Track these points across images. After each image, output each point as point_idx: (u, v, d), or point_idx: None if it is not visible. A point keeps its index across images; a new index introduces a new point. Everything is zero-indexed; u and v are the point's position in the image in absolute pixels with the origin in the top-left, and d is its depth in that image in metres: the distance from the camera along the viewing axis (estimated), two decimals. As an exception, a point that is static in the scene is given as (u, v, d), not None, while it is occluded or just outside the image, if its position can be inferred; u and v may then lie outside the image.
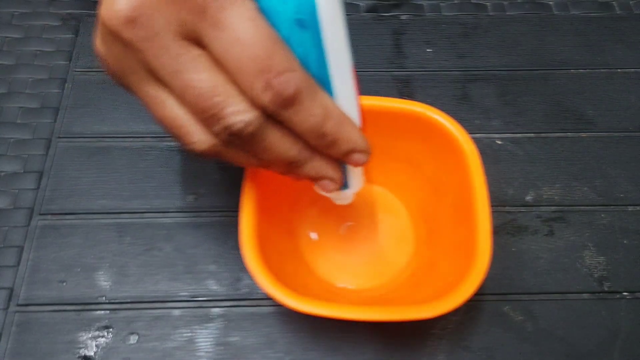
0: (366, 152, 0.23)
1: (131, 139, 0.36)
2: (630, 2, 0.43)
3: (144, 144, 0.35)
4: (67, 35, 0.40)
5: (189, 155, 0.35)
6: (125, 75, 0.21)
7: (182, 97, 0.20)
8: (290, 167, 0.22)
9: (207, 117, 0.20)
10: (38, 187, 0.34)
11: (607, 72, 0.39)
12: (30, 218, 0.33)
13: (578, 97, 0.38)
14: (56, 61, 0.39)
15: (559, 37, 0.41)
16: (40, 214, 0.33)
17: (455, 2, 0.43)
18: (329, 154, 0.23)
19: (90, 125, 0.36)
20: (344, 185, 0.26)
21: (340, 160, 0.23)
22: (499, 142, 0.36)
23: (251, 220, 0.26)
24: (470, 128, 0.31)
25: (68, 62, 0.39)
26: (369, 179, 0.34)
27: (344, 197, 0.27)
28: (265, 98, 0.19)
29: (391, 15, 0.42)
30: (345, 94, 0.22)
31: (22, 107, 0.37)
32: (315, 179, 0.23)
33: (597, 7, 0.43)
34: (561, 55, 0.40)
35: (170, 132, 0.21)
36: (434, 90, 0.38)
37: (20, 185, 0.34)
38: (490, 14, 0.42)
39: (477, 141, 0.29)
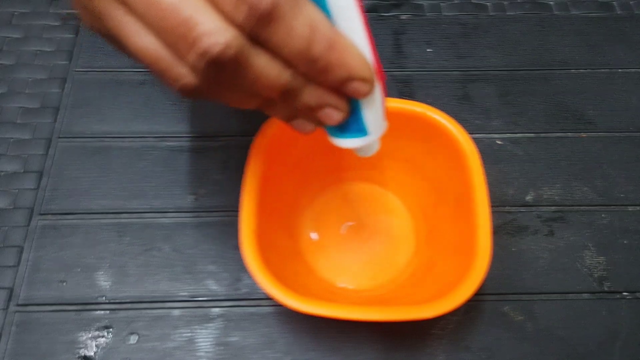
0: (367, 80, 0.19)
1: (131, 139, 0.36)
2: (631, 2, 0.43)
3: (144, 144, 0.35)
4: (67, 35, 0.40)
5: (189, 155, 0.35)
6: (94, 10, 0.18)
7: (148, 20, 0.17)
8: (286, 99, 0.19)
9: (177, 40, 0.17)
10: (38, 187, 0.34)
11: (607, 72, 0.39)
12: (30, 218, 0.33)
13: (578, 97, 0.38)
14: (56, 61, 0.39)
15: (559, 37, 0.41)
16: (40, 214, 0.33)
17: (455, 2, 0.43)
18: (324, 83, 0.19)
19: (90, 125, 0.36)
20: (362, 131, 0.22)
21: (343, 92, 0.20)
22: (499, 142, 0.36)
23: (251, 220, 0.26)
24: (470, 128, 0.31)
25: (68, 62, 0.39)
26: (369, 179, 0.34)
27: (367, 147, 0.23)
28: (240, 14, 0.16)
29: (391, 15, 0.42)
30: (343, 11, 0.18)
31: (22, 107, 0.37)
32: (317, 109, 0.20)
33: (597, 7, 0.43)
34: (561, 55, 0.40)
35: (150, 69, 0.18)
36: (434, 91, 0.38)
37: (20, 185, 0.34)
38: (491, 14, 0.42)
39: (477, 141, 0.29)
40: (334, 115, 0.20)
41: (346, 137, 0.22)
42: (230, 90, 0.19)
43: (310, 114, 0.20)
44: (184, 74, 0.18)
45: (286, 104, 0.20)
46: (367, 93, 0.20)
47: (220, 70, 0.17)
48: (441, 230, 0.31)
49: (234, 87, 0.19)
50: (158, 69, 0.18)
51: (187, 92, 0.18)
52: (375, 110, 0.21)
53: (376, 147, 0.24)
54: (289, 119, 0.21)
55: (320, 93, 0.19)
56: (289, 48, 0.17)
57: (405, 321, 0.26)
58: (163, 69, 0.18)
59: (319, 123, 0.21)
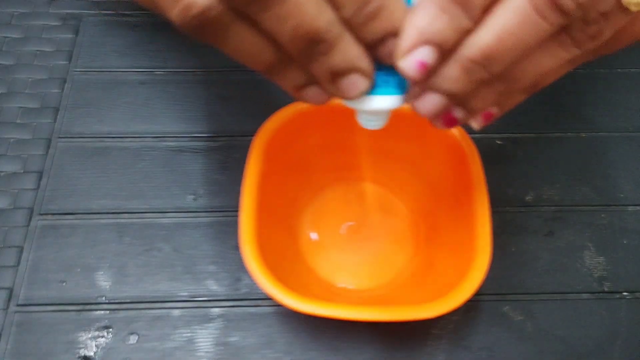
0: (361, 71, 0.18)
1: (130, 139, 0.36)
2: (630, 2, 0.43)
3: (143, 144, 0.35)
4: (67, 35, 0.40)
5: (189, 155, 0.35)
6: None
7: None
8: (309, 59, 0.17)
9: None
10: (38, 187, 0.34)
11: (607, 72, 0.39)
12: (30, 218, 0.33)
13: (578, 97, 0.38)
14: (56, 61, 0.39)
15: (559, 37, 0.41)
16: (40, 214, 0.33)
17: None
18: (364, 36, 0.17)
19: (90, 126, 0.36)
20: (401, 87, 0.19)
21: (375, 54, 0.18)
22: (499, 142, 0.36)
23: (251, 220, 0.26)
24: (470, 128, 0.31)
25: (68, 62, 0.39)
26: (369, 179, 0.34)
27: (376, 113, 0.21)
28: None
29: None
30: None
31: (22, 107, 0.37)
32: (343, 75, 0.18)
33: (597, 7, 0.43)
34: (561, 55, 0.40)
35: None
36: (434, 90, 0.38)
37: (20, 185, 0.34)
38: (490, 14, 0.42)
39: (477, 141, 0.29)
40: (360, 84, 0.18)
41: (379, 93, 0.19)
42: (233, 44, 0.17)
43: (332, 80, 0.18)
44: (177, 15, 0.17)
45: (302, 67, 0.18)
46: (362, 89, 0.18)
47: (204, 27, 0.16)
48: (441, 230, 0.31)
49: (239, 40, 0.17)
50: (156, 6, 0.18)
51: (188, 24, 0.17)
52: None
53: (386, 119, 0.22)
54: (300, 88, 0.19)
55: (354, 53, 0.17)
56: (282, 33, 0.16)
57: (405, 321, 0.26)
58: (161, 5, 0.17)
59: (337, 93, 0.19)
